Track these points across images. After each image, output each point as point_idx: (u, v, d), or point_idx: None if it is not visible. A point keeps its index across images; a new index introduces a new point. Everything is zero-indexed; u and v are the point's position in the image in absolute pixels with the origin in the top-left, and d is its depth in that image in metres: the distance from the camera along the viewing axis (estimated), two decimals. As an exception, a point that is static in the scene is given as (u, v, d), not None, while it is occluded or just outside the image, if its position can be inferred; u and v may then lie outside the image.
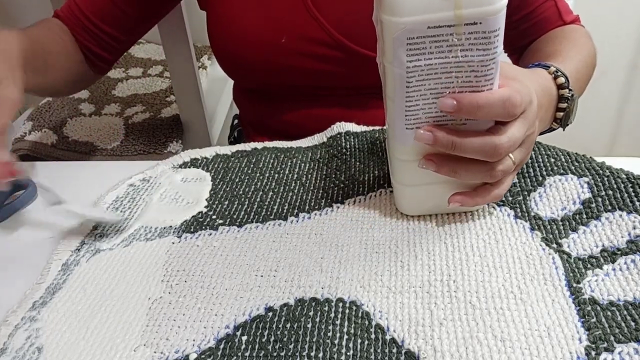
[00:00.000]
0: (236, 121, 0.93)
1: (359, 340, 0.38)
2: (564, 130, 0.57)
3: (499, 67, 0.41)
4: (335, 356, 0.37)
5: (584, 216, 0.47)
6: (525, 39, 0.71)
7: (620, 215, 0.46)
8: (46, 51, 0.66)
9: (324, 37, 0.66)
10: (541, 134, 0.55)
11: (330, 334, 0.39)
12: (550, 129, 0.57)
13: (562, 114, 0.55)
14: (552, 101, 0.54)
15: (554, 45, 0.65)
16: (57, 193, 0.52)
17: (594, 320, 0.38)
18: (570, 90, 0.54)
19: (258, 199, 0.54)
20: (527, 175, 0.52)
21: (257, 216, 0.51)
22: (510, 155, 0.44)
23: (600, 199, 0.48)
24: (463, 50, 0.39)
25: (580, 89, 0.62)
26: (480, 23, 0.38)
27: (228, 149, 0.62)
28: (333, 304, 0.41)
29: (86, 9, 0.71)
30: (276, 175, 0.57)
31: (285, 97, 0.73)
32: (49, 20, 0.72)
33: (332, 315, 0.40)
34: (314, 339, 0.39)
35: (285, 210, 0.52)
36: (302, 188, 0.55)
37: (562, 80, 0.54)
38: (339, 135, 0.61)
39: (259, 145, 0.62)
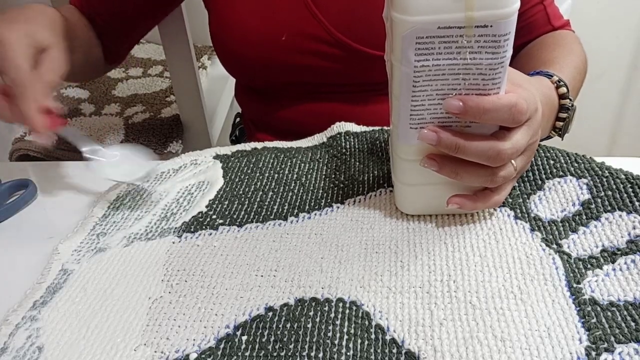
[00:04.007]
0: (238, 119, 0.93)
1: (359, 341, 0.38)
2: (562, 139, 0.57)
3: (507, 72, 0.41)
4: (335, 356, 0.37)
5: (584, 217, 0.47)
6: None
7: (620, 216, 0.46)
8: (74, 34, 0.67)
9: (323, 34, 0.66)
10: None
11: (330, 334, 0.39)
12: (548, 137, 0.57)
13: (561, 123, 0.55)
14: (553, 110, 0.54)
15: (549, 52, 0.65)
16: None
17: (594, 320, 0.38)
18: (570, 100, 0.54)
19: (258, 199, 0.54)
20: (526, 179, 0.52)
21: (257, 216, 0.51)
22: (513, 161, 0.44)
23: (599, 200, 0.48)
24: (472, 52, 0.39)
25: (574, 97, 0.62)
26: (491, 26, 0.38)
27: (228, 149, 0.62)
28: (333, 304, 0.41)
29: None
30: (276, 175, 0.57)
31: (287, 94, 0.73)
32: (70, 6, 0.74)
33: (332, 315, 0.40)
34: (314, 339, 0.39)
35: (285, 210, 0.52)
36: (302, 188, 0.55)
37: (564, 90, 0.54)
38: (338, 136, 0.61)
39: (258, 145, 0.62)
